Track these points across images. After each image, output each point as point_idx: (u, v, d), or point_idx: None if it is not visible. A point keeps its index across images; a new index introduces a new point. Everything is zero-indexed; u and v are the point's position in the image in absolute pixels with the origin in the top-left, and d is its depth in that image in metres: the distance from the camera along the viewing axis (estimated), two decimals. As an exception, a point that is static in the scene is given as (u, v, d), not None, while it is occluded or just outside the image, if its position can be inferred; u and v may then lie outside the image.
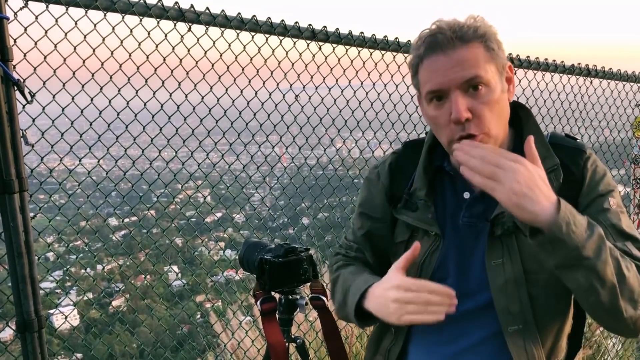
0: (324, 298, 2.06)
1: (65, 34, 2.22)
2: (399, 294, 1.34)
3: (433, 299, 1.30)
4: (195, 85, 2.66)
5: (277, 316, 2.03)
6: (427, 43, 1.36)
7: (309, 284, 2.07)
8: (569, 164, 1.46)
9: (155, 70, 2.50)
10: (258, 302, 1.99)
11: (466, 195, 1.51)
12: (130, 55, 2.41)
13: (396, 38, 3.22)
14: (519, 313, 1.42)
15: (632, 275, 1.27)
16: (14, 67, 2.03)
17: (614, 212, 1.42)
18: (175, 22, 2.45)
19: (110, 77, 2.39)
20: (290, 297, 2.07)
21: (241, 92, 2.84)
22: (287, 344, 2.03)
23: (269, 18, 2.70)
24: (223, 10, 2.56)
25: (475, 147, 1.24)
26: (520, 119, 1.52)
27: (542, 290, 1.41)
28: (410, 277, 1.38)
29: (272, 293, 2.03)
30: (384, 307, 1.39)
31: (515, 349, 1.42)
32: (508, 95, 1.44)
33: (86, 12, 2.23)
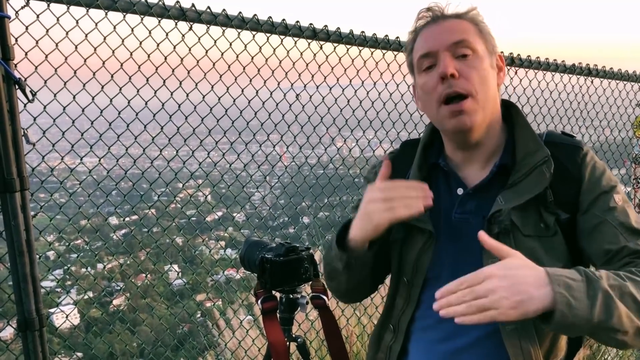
0: (324, 297, 2.07)
1: (67, 33, 2.22)
2: (376, 194, 1.40)
3: (410, 193, 1.36)
4: (196, 85, 2.66)
5: (278, 315, 2.03)
6: (421, 17, 1.47)
7: (309, 283, 2.08)
8: (566, 161, 1.46)
9: (157, 69, 2.50)
10: (259, 301, 1.99)
11: (459, 191, 1.52)
12: (131, 54, 2.41)
13: (397, 37, 3.22)
14: None
15: None
16: (15, 66, 2.03)
17: (621, 210, 1.42)
18: (176, 21, 2.45)
19: (112, 76, 2.39)
20: (291, 296, 2.07)
21: (242, 91, 2.84)
22: (288, 343, 2.03)
23: (270, 17, 2.70)
24: (224, 10, 2.56)
25: (446, 294, 1.21)
26: (511, 115, 1.55)
27: None
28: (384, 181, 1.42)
29: (273, 292, 2.03)
30: (365, 218, 1.41)
31: (512, 348, 1.41)
32: (498, 80, 1.48)
33: (87, 11, 2.23)
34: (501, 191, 1.44)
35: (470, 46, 1.41)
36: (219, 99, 2.78)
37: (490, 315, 1.15)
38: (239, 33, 2.67)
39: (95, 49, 2.31)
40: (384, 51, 3.24)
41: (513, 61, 3.69)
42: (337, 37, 2.97)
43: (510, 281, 1.16)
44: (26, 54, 2.12)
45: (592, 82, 4.41)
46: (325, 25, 2.91)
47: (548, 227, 1.42)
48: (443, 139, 1.58)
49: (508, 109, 1.57)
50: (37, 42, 2.15)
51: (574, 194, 1.44)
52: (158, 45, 2.48)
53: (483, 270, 1.19)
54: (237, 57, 2.74)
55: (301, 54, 2.96)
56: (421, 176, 1.57)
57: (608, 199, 1.43)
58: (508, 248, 1.24)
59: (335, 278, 1.61)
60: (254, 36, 2.72)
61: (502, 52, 3.50)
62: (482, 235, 1.25)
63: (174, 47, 2.52)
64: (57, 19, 2.19)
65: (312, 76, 3.07)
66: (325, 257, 1.65)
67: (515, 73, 3.87)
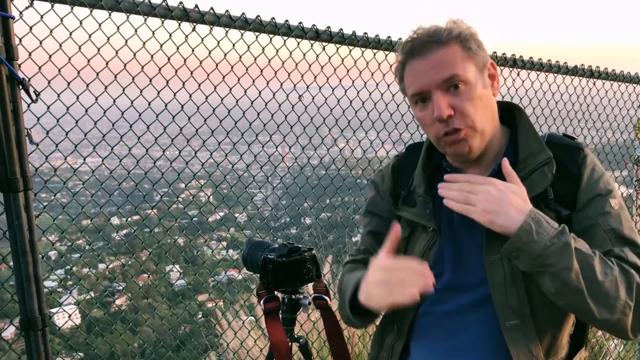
0: (326, 298, 2.07)
1: (70, 34, 2.22)
2: (376, 275, 1.40)
3: (407, 276, 1.34)
4: (199, 85, 2.66)
5: (280, 316, 2.04)
6: (406, 49, 1.46)
7: (312, 284, 2.08)
8: (566, 161, 1.49)
9: (160, 70, 2.51)
10: (261, 302, 2.00)
11: None
12: (134, 54, 2.42)
13: (399, 39, 3.22)
14: (517, 308, 1.43)
15: (609, 281, 1.30)
16: (19, 66, 2.03)
17: (615, 215, 1.44)
18: (179, 22, 2.46)
19: (115, 77, 2.39)
20: (294, 297, 2.07)
21: (245, 92, 2.84)
22: (290, 343, 2.03)
23: (273, 18, 2.71)
24: (227, 11, 2.56)
25: (454, 180, 1.39)
26: (514, 118, 1.57)
27: (539, 286, 1.42)
28: (388, 258, 1.41)
29: (276, 293, 2.03)
30: (368, 295, 1.42)
31: (513, 344, 1.43)
32: (492, 91, 1.50)
33: (91, 11, 2.23)
34: None
35: (460, 79, 1.41)
36: (222, 100, 2.78)
37: (467, 209, 1.37)
38: (242, 34, 2.67)
39: (98, 50, 2.31)
40: (386, 52, 3.25)
41: (515, 63, 3.70)
42: (340, 39, 2.97)
43: (500, 195, 1.34)
44: (30, 54, 2.12)
45: (594, 84, 4.41)
46: (328, 27, 2.91)
47: None
48: None
49: (511, 110, 1.59)
50: (40, 42, 2.16)
51: (573, 193, 1.47)
52: (161, 46, 2.48)
53: (490, 179, 1.38)
54: (240, 58, 2.75)
55: (304, 55, 2.96)
56: (425, 176, 1.60)
57: (604, 202, 1.45)
58: (519, 180, 1.39)
59: (351, 323, 1.66)
60: (257, 37, 2.72)
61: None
62: (505, 163, 1.39)
63: (177, 48, 2.53)
64: (61, 20, 2.20)
65: (315, 77, 3.08)
66: (339, 308, 1.69)
67: (518, 75, 3.88)
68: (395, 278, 1.35)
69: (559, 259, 1.28)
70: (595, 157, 1.54)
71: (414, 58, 1.44)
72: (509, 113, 1.59)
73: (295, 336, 2.11)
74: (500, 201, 1.32)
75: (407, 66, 1.46)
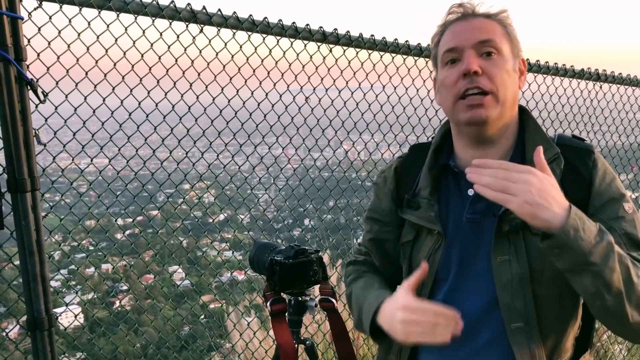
0: (333, 300, 2.07)
1: (79, 34, 2.23)
2: (404, 315, 1.36)
3: (439, 321, 1.32)
4: (206, 87, 2.67)
5: (286, 317, 2.03)
6: (451, 12, 1.50)
7: (318, 286, 2.08)
8: (577, 164, 1.48)
9: (167, 71, 2.51)
10: (268, 303, 2.00)
11: (470, 192, 1.51)
12: (142, 55, 2.42)
13: (406, 41, 3.22)
14: (522, 310, 1.42)
15: None
16: (28, 66, 2.04)
17: (629, 220, 1.43)
18: (187, 23, 2.46)
19: (123, 78, 2.40)
20: (300, 299, 2.07)
21: (252, 93, 2.84)
22: (296, 345, 2.03)
23: (281, 20, 2.71)
24: (235, 12, 2.57)
25: (485, 165, 1.27)
26: (522, 119, 1.56)
27: (545, 289, 1.42)
28: (417, 299, 1.38)
29: (282, 294, 2.03)
30: (391, 327, 1.41)
31: (517, 346, 1.42)
32: (519, 83, 1.51)
33: (99, 12, 2.24)
34: None
35: (496, 46, 1.43)
36: (229, 101, 2.78)
37: (504, 198, 1.23)
38: (249, 36, 2.68)
39: (106, 51, 2.32)
40: (393, 55, 3.25)
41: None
42: (347, 41, 2.98)
43: (543, 186, 1.23)
44: (38, 55, 2.13)
45: (600, 87, 4.40)
46: (335, 29, 2.91)
47: None
48: (454, 138, 1.59)
49: (520, 114, 1.57)
50: (49, 43, 2.16)
51: (584, 196, 1.45)
52: (169, 47, 2.48)
53: (528, 167, 1.26)
54: (247, 59, 2.75)
55: (311, 57, 2.96)
56: (432, 177, 1.58)
57: (618, 206, 1.44)
58: (549, 171, 1.30)
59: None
60: (264, 39, 2.73)
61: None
62: (539, 152, 1.29)
63: (185, 49, 2.53)
64: (69, 21, 2.20)
65: (322, 79, 3.08)
66: (355, 325, 1.68)
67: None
68: (427, 322, 1.33)
69: (604, 259, 1.23)
70: (604, 159, 1.53)
71: (457, 21, 1.48)
72: (519, 114, 1.57)
73: (302, 338, 2.11)
74: (544, 193, 1.23)
75: (448, 29, 1.49)
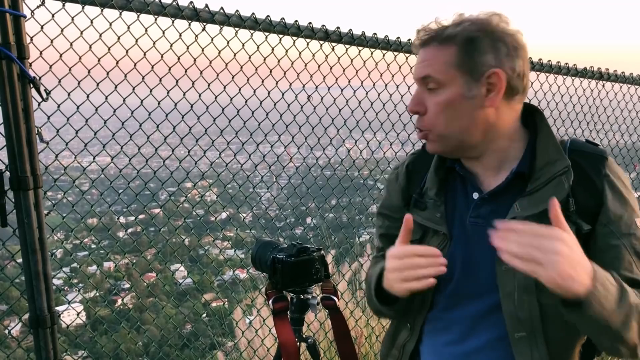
0: (335, 298, 2.07)
1: (81, 32, 2.23)
2: (392, 263, 1.40)
3: (419, 262, 1.35)
4: (208, 85, 2.67)
5: (288, 315, 2.03)
6: (416, 39, 1.47)
7: (320, 284, 2.08)
8: (589, 171, 1.43)
9: (169, 69, 2.51)
10: (270, 301, 2.00)
11: (475, 195, 1.50)
12: (144, 54, 2.42)
13: (409, 39, 3.22)
14: (526, 320, 1.40)
15: (633, 327, 1.27)
16: (30, 64, 2.04)
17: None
18: (189, 21, 2.46)
19: (125, 76, 2.40)
20: (302, 297, 2.07)
21: (254, 92, 2.85)
22: (298, 343, 2.03)
23: (283, 18, 2.71)
24: (237, 11, 2.57)
25: (510, 230, 1.21)
26: (535, 122, 1.52)
27: (550, 298, 1.35)
28: (402, 246, 1.42)
29: (284, 292, 2.03)
30: (388, 282, 1.44)
31: (521, 356, 1.40)
32: (486, 102, 1.40)
33: (102, 10, 2.24)
34: (518, 198, 1.42)
35: (434, 81, 1.41)
36: (231, 100, 2.79)
37: (534, 270, 1.17)
38: (251, 34, 2.68)
39: (109, 49, 2.32)
40: (396, 53, 3.24)
41: (524, 64, 3.68)
42: (349, 39, 2.97)
43: (574, 255, 1.18)
44: (41, 53, 2.13)
45: (603, 86, 4.40)
46: (338, 27, 2.91)
47: None
48: None
49: (532, 113, 1.54)
50: (52, 41, 2.16)
51: (596, 205, 1.41)
52: (171, 45, 2.48)
53: (557, 232, 1.20)
54: (250, 58, 2.75)
55: (313, 55, 2.96)
56: (438, 178, 1.57)
57: (630, 221, 1.40)
58: (567, 226, 1.23)
59: (381, 314, 1.69)
60: (266, 37, 2.73)
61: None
62: (554, 206, 1.23)
63: (187, 48, 2.53)
64: (72, 19, 2.20)
65: (324, 77, 3.08)
66: (368, 302, 1.69)
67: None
68: (408, 264, 1.36)
69: (623, 323, 1.23)
70: (618, 167, 1.47)
71: (420, 48, 1.47)
72: (530, 116, 1.53)
73: (304, 336, 2.11)
74: (573, 263, 1.17)
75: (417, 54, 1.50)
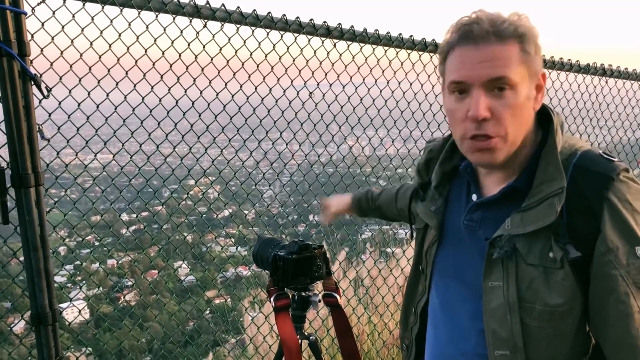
0: (336, 295, 2.07)
1: (82, 30, 2.23)
2: None
3: None
4: (210, 82, 2.66)
5: (290, 313, 2.03)
6: (461, 31, 1.30)
7: (322, 281, 2.08)
8: (587, 193, 1.30)
9: (171, 66, 2.51)
10: (272, 299, 2.00)
11: (474, 197, 1.47)
12: (146, 51, 2.42)
13: (411, 36, 3.21)
14: (508, 339, 1.35)
15: None
16: (31, 62, 2.04)
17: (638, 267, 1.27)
18: (191, 18, 2.46)
19: (126, 73, 2.40)
20: (304, 294, 2.07)
21: (255, 88, 2.84)
22: (300, 340, 2.03)
23: (284, 15, 2.70)
24: (239, 7, 2.56)
25: None
26: (547, 131, 1.41)
27: (537, 321, 1.33)
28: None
29: (286, 290, 2.03)
30: None
31: None
32: (534, 104, 1.35)
33: (102, 8, 2.24)
34: (511, 210, 1.36)
35: (509, 82, 1.27)
36: (232, 97, 2.78)
37: None
38: (252, 31, 2.67)
39: (110, 46, 2.32)
40: (398, 49, 3.24)
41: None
42: (351, 36, 2.97)
43: None
44: (42, 50, 2.13)
45: (606, 82, 4.38)
46: (339, 24, 2.90)
47: (556, 259, 1.29)
48: None
49: (547, 119, 1.42)
50: (52, 38, 2.16)
51: (593, 231, 1.28)
52: (172, 42, 2.48)
53: None
54: (251, 54, 2.75)
55: (315, 52, 2.96)
56: (442, 171, 1.55)
57: (631, 251, 1.27)
58: None
59: None
60: (267, 34, 2.72)
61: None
62: None
63: (189, 45, 2.53)
64: (73, 16, 2.20)
65: (326, 74, 3.07)
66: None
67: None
68: None
69: None
70: (632, 186, 1.30)
71: (467, 44, 1.29)
72: (546, 117, 1.42)
73: (305, 333, 2.11)
74: None
75: (456, 50, 1.32)
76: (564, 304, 1.29)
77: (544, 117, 1.42)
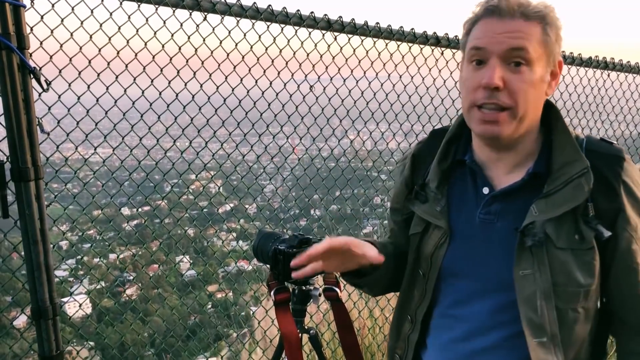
0: (337, 289, 2.06)
1: (81, 23, 2.22)
2: None
3: None
4: (210, 75, 2.65)
5: (290, 307, 2.03)
6: (488, 4, 1.35)
7: (322, 275, 2.07)
8: (607, 172, 1.37)
9: (171, 59, 2.50)
10: (272, 293, 1.99)
11: (485, 190, 1.46)
12: (145, 44, 2.41)
13: (412, 29, 3.19)
14: (544, 325, 1.36)
15: None
16: (31, 55, 2.04)
17: None
18: (190, 11, 2.45)
19: (126, 66, 2.39)
20: (304, 288, 2.06)
21: (256, 82, 2.83)
22: (300, 334, 2.02)
23: (285, 8, 2.69)
24: (239, 0, 2.55)
25: None
26: (550, 119, 1.46)
27: (567, 303, 1.37)
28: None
29: (286, 284, 2.02)
30: None
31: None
32: (547, 90, 1.39)
33: (102, 0, 2.23)
34: (533, 199, 1.38)
35: (527, 57, 1.31)
36: (233, 90, 2.77)
37: None
38: (253, 24, 2.66)
39: (109, 39, 2.31)
40: (399, 43, 3.22)
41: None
42: (352, 28, 2.95)
43: None
44: (41, 43, 2.12)
45: (608, 75, 4.36)
46: (340, 17, 2.89)
47: (583, 239, 1.35)
48: (472, 134, 1.51)
49: (547, 110, 1.47)
50: (52, 31, 2.15)
51: (615, 209, 1.36)
52: (172, 35, 2.47)
53: None
54: (251, 47, 2.74)
55: (315, 45, 2.94)
56: (440, 171, 1.53)
57: None
58: None
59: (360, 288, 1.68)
60: (268, 27, 2.71)
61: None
62: None
63: (189, 38, 2.52)
64: (72, 9, 2.19)
65: (326, 68, 3.06)
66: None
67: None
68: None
69: None
70: (634, 167, 1.41)
71: (492, 16, 1.34)
72: (546, 111, 1.46)
73: (306, 327, 2.11)
74: None
75: (481, 21, 1.36)
76: (593, 282, 1.36)
77: (544, 106, 1.45)
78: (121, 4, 2.27)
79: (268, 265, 2.07)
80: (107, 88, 2.36)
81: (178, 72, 2.54)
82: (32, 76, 2.01)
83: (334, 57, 3.05)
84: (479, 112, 1.35)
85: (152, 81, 2.48)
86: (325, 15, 2.83)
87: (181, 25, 2.46)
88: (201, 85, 2.65)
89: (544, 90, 1.38)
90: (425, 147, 1.63)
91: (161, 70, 2.49)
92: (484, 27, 1.35)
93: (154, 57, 2.44)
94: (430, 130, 1.68)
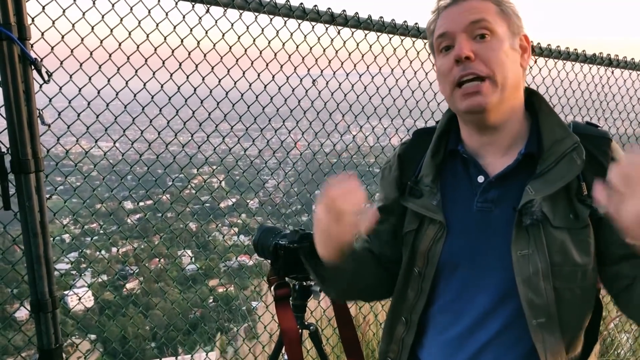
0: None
1: (83, 14, 2.21)
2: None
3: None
4: (212, 68, 2.64)
5: (290, 302, 2.02)
6: (442, 1, 1.43)
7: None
8: (596, 153, 1.40)
9: (172, 52, 2.48)
10: (272, 288, 1.98)
11: (480, 179, 1.45)
12: (147, 36, 2.39)
13: (416, 23, 3.18)
14: (543, 306, 1.37)
15: None
16: (32, 46, 2.03)
17: None
18: (193, 3, 2.43)
19: (128, 58, 2.37)
20: (305, 284, 2.06)
21: (258, 75, 2.82)
22: (300, 330, 2.02)
23: (288, 1, 2.67)
24: (241, -7, 2.53)
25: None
26: (534, 104, 1.49)
27: (565, 283, 1.37)
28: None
29: (286, 279, 2.02)
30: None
31: (540, 342, 1.38)
32: (522, 62, 1.43)
33: (105, -9, 2.22)
34: (527, 180, 1.38)
35: (488, 27, 1.36)
36: (235, 84, 2.75)
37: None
38: (255, 17, 2.64)
39: (111, 31, 2.29)
40: (402, 37, 3.20)
41: (533, 50, 3.64)
42: (355, 23, 2.94)
43: None
44: (42, 34, 2.11)
45: (612, 72, 4.34)
46: (344, 10, 2.88)
47: (578, 218, 1.37)
48: (460, 125, 1.52)
49: (530, 96, 1.50)
50: (53, 22, 2.14)
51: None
52: (174, 27, 2.45)
53: None
54: (254, 41, 2.72)
55: (318, 39, 2.92)
56: (434, 164, 1.52)
57: None
58: None
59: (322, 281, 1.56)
60: (271, 20, 2.69)
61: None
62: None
63: (191, 30, 2.50)
64: (74, 0, 2.18)
65: (329, 62, 3.05)
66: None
67: (535, 62, 3.81)
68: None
69: None
70: (620, 149, 1.45)
71: (449, 6, 1.41)
72: (528, 98, 1.49)
73: (306, 323, 2.10)
74: None
75: (441, 15, 1.43)
76: (590, 261, 1.37)
77: (526, 96, 1.49)
78: (124, -5, 2.26)
79: (269, 260, 2.07)
80: (109, 80, 2.35)
81: (180, 65, 2.52)
82: (33, 67, 2.00)
83: (336, 52, 3.04)
84: (460, 89, 1.38)
85: (153, 74, 2.46)
86: (329, 9, 2.81)
87: (183, 17, 2.45)
88: (203, 79, 2.64)
89: (518, 61, 1.42)
90: (410, 147, 1.63)
91: (163, 63, 2.47)
92: (444, 16, 1.42)
93: (155, 50, 2.43)
94: (414, 131, 1.69)
